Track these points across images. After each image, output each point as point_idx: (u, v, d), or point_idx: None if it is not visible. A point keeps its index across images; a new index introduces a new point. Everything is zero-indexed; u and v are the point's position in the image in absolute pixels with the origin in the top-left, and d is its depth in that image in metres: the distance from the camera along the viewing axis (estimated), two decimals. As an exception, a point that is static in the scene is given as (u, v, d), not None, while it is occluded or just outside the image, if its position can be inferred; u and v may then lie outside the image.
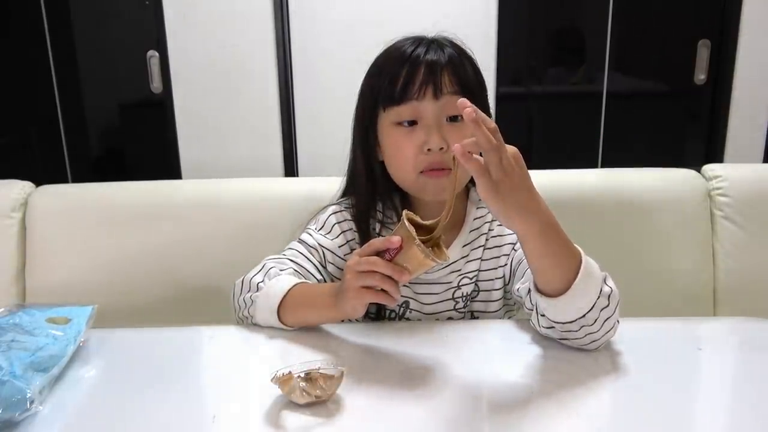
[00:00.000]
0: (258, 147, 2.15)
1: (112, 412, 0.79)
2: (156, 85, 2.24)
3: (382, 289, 0.84)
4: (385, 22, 2.09)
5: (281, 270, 1.03)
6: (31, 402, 0.76)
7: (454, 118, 0.99)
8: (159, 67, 2.21)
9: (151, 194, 1.43)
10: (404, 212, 0.83)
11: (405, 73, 0.99)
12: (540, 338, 0.93)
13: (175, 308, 1.36)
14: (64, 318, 0.93)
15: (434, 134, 0.98)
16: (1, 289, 1.35)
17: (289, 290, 0.96)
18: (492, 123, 0.75)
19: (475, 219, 1.08)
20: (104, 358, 0.92)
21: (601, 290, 0.84)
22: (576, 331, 0.85)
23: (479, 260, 1.07)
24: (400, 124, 1.00)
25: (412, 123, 1.00)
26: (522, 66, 2.42)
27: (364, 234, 1.07)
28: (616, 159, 2.41)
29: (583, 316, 0.83)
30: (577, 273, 0.82)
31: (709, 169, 1.40)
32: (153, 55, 2.22)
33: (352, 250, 1.09)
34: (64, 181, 2.41)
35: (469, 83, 1.01)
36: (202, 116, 2.15)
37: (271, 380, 0.77)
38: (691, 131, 2.49)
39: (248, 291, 1.02)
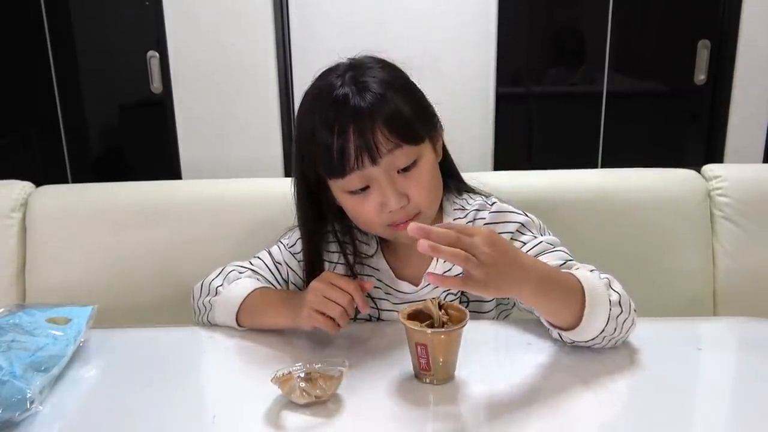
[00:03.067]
0: (258, 147, 2.15)
1: (112, 412, 0.79)
2: (156, 85, 2.24)
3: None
4: (386, 23, 2.09)
5: (240, 273, 1.06)
6: (31, 402, 0.76)
7: (406, 168, 0.94)
8: (159, 67, 2.21)
9: (151, 194, 1.43)
10: (400, 317, 0.82)
11: (336, 145, 0.91)
12: (539, 339, 0.93)
13: (175, 308, 1.35)
14: (64, 318, 0.93)
15: (390, 195, 0.93)
16: (1, 289, 1.35)
17: (248, 296, 0.98)
18: (450, 232, 0.73)
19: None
20: (104, 358, 0.92)
21: (610, 301, 0.85)
22: (600, 342, 0.87)
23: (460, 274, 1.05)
24: (353, 192, 0.96)
25: (364, 188, 0.95)
26: (522, 66, 2.42)
27: (309, 269, 1.06)
28: (616, 159, 2.41)
29: (603, 330, 0.84)
30: (584, 303, 0.83)
31: (709, 169, 1.40)
32: (153, 55, 2.22)
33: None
34: (64, 181, 2.41)
35: (411, 131, 0.94)
36: (202, 116, 2.15)
37: (271, 380, 0.77)
38: (691, 131, 2.48)
39: (207, 294, 1.04)
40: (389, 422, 0.75)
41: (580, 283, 0.84)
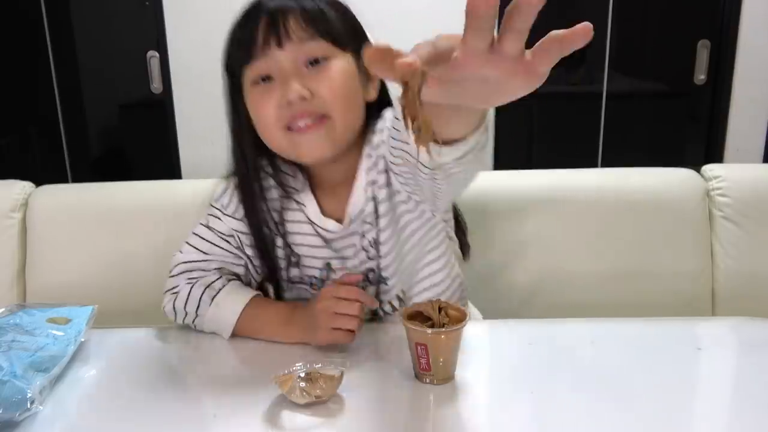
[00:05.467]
0: (258, 147, 2.15)
1: (112, 412, 0.79)
2: (156, 85, 2.25)
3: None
4: (385, 23, 2.08)
5: (207, 285, 0.99)
6: (32, 402, 0.76)
7: (315, 62, 0.89)
8: (159, 67, 2.22)
9: (151, 194, 1.42)
10: (400, 317, 0.81)
11: (247, 29, 0.89)
12: (540, 339, 0.93)
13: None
14: (64, 318, 0.93)
15: (291, 84, 0.87)
16: (1, 289, 1.35)
17: (240, 317, 0.95)
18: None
19: (367, 157, 0.96)
20: (104, 358, 0.92)
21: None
22: (465, 162, 0.74)
23: (372, 199, 0.96)
24: (257, 83, 0.91)
25: (268, 78, 0.90)
26: (522, 66, 2.42)
27: (250, 217, 1.00)
28: (616, 159, 2.41)
29: (476, 143, 0.71)
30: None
31: (709, 169, 1.40)
32: (153, 55, 2.23)
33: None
34: (64, 181, 2.41)
35: (330, 27, 0.90)
36: (202, 116, 2.15)
37: (271, 380, 0.77)
38: (691, 131, 2.49)
39: (185, 316, 1.00)
40: (389, 422, 0.75)
41: None
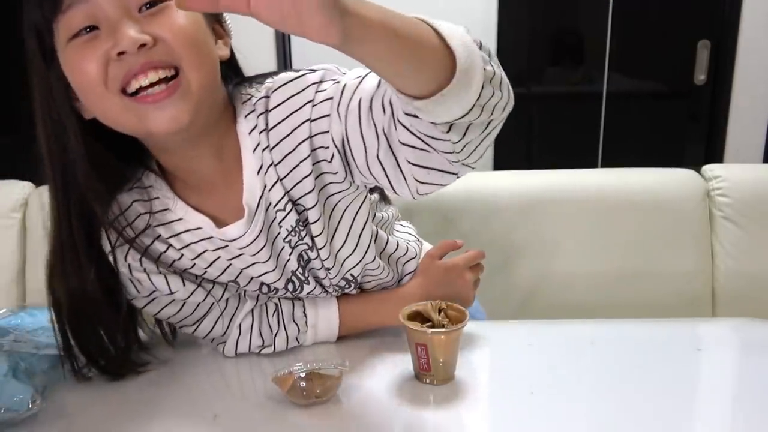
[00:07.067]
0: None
1: (113, 411, 0.79)
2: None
3: None
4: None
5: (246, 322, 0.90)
6: (33, 401, 0.76)
7: (151, 4, 0.70)
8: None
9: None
10: (401, 318, 0.81)
11: None
12: (540, 339, 0.93)
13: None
14: (64, 318, 0.92)
15: (122, 29, 0.67)
16: (2, 290, 1.35)
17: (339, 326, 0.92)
18: None
19: (250, 132, 0.79)
20: (105, 358, 0.92)
21: (484, 71, 0.62)
22: (466, 128, 0.66)
23: (279, 181, 0.79)
24: (76, 36, 0.70)
25: (93, 29, 0.69)
26: (522, 66, 2.42)
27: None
28: (616, 159, 2.41)
29: (470, 109, 0.62)
30: (453, 64, 0.59)
31: (709, 169, 1.40)
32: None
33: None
34: (65, 181, 2.41)
35: None
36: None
37: (271, 380, 0.77)
38: (691, 131, 2.49)
39: (261, 348, 0.91)
40: (389, 422, 0.75)
41: (442, 36, 0.61)
